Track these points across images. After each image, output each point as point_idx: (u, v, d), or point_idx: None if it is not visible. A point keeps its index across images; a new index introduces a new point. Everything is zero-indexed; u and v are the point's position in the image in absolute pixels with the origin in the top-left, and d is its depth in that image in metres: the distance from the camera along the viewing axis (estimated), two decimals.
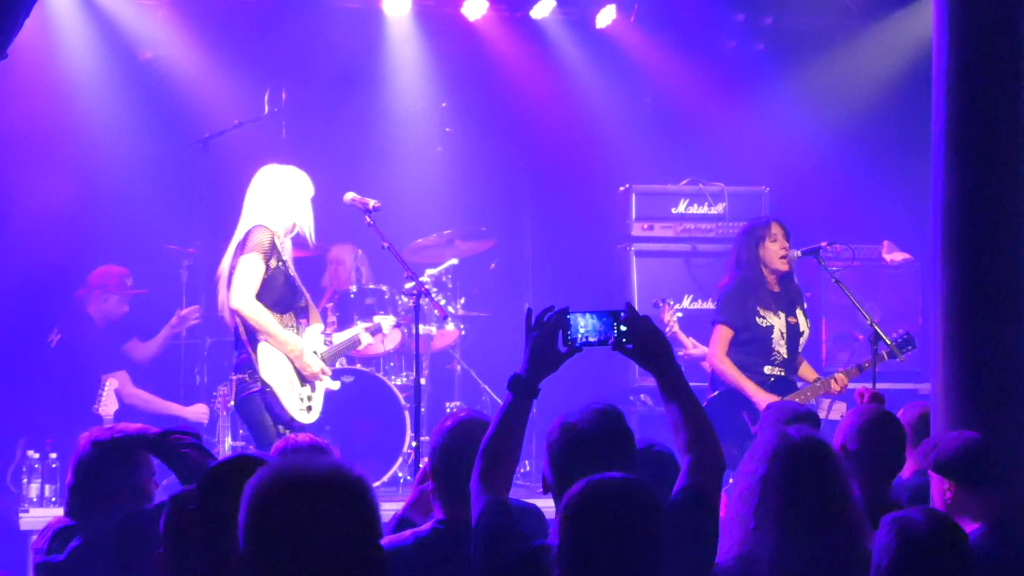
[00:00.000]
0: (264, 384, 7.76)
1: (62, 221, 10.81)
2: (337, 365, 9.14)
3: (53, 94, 11.05)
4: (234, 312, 7.76)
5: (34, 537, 5.41)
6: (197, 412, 10.17)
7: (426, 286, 9.02)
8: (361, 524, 2.82)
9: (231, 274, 7.75)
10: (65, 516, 5.18)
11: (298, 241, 8.27)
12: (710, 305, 10.71)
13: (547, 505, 7.77)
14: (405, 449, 9.86)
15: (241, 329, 7.80)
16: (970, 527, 4.98)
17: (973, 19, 5.90)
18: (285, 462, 2.92)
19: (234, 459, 3.73)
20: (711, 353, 9.00)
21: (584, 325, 4.06)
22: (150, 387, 10.39)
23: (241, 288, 7.68)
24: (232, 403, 7.93)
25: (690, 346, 9.96)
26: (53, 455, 9.05)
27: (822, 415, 9.40)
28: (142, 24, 11.32)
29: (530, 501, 5.08)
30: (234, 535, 2.88)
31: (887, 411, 5.69)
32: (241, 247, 7.77)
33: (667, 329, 10.03)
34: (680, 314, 10.28)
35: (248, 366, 7.78)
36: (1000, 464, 5.25)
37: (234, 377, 7.92)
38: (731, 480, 4.41)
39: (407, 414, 9.86)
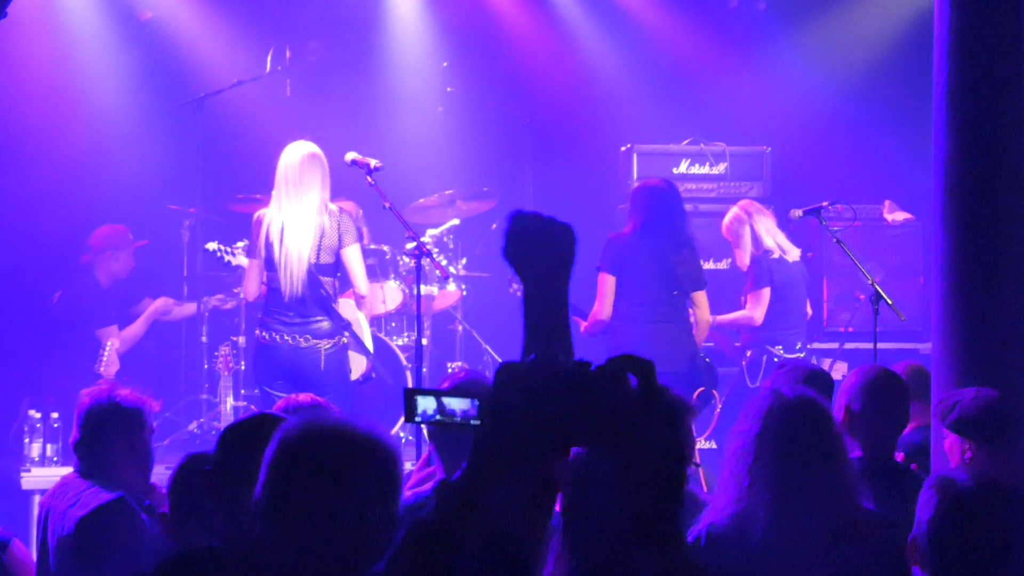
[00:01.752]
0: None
1: (64, 180, 10.82)
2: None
3: (53, 55, 11.03)
4: (362, 297, 8.64)
5: (38, 498, 5.44)
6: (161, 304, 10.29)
7: (428, 246, 9.03)
8: (386, 490, 2.83)
9: (340, 259, 8.28)
10: (75, 474, 5.23)
11: None
12: (711, 265, 10.71)
13: None
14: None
15: (335, 303, 8.38)
16: None
17: None
18: (321, 417, 2.97)
19: (253, 418, 3.75)
20: None
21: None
22: (153, 348, 10.41)
23: (366, 276, 8.50)
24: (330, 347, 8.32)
25: None
26: (55, 415, 9.07)
27: None
28: None
29: None
30: (252, 493, 2.91)
31: (890, 370, 5.66)
32: (342, 233, 8.25)
33: None
34: None
35: (347, 327, 8.44)
36: (1019, 422, 5.23)
37: (331, 341, 8.31)
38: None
39: (409, 374, 9.87)
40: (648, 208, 8.59)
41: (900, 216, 11.21)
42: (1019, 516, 3.66)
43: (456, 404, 2.36)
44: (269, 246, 8.16)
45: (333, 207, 8.27)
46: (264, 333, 8.26)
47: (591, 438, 2.18)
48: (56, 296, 10.09)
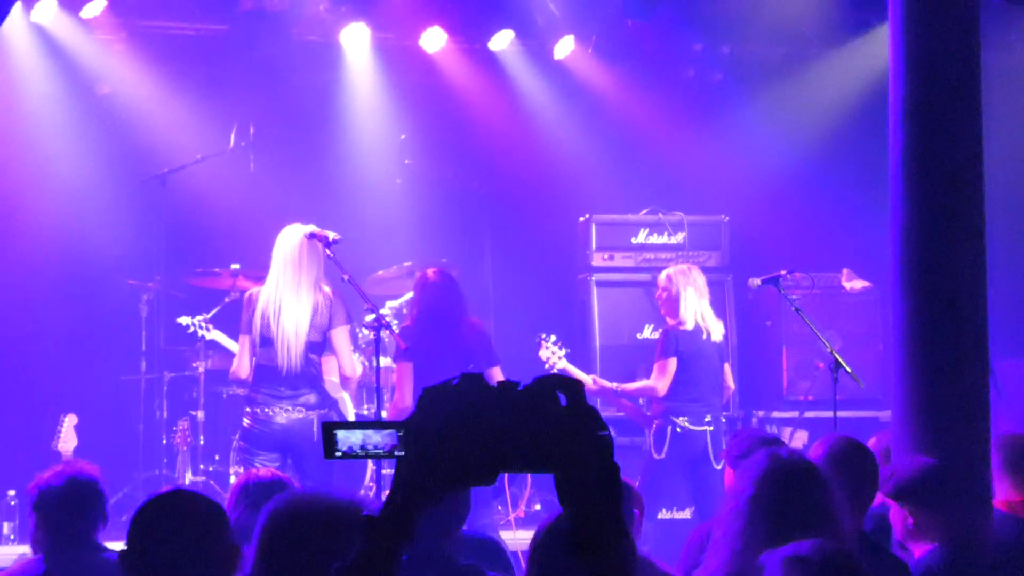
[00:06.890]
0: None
1: (19, 255, 10.76)
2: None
3: (8, 129, 11.00)
4: (348, 378, 8.81)
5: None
6: None
7: (387, 318, 9.02)
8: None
9: (330, 339, 8.51)
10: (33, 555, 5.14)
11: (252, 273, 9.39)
12: None
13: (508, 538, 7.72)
14: (367, 482, 9.83)
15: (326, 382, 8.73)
16: (928, 547, 4.98)
17: (928, 46, 5.94)
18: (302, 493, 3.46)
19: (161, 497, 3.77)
20: None
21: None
22: (108, 420, 10.33)
23: (352, 358, 8.86)
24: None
25: (589, 382, 9.70)
26: (12, 492, 8.97)
27: None
28: (99, 58, 11.27)
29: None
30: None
31: (857, 441, 5.62)
32: (332, 313, 8.47)
33: (548, 366, 9.74)
34: (567, 350, 10.00)
35: (333, 405, 8.76)
36: (956, 484, 5.24)
37: (320, 412, 8.51)
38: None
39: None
40: (426, 297, 8.99)
41: (859, 284, 11.26)
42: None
43: (378, 437, 2.26)
44: (265, 324, 8.37)
45: (327, 288, 8.49)
46: (257, 409, 8.43)
47: (521, 460, 2.06)
48: None
